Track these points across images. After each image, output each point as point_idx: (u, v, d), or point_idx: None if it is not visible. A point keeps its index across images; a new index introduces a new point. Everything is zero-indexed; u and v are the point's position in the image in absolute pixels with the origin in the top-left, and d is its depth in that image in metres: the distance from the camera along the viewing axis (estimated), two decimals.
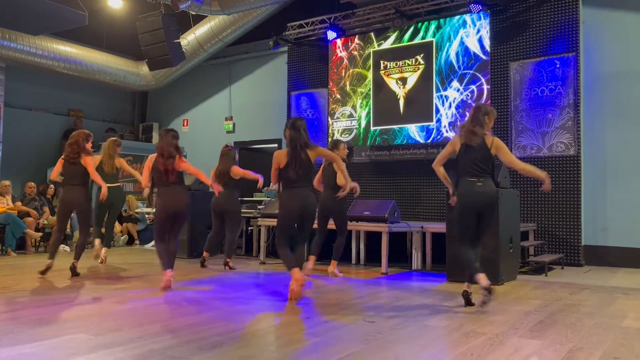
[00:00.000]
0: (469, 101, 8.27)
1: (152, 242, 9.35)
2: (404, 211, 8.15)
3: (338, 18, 9.62)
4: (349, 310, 4.37)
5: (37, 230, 8.75)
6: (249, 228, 8.66)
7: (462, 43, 8.51)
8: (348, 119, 9.60)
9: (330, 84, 9.84)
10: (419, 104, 8.83)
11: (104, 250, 7.20)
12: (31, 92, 11.55)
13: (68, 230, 9.18)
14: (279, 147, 10.53)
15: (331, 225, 6.43)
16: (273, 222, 6.80)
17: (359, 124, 9.44)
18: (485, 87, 8.25)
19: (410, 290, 5.43)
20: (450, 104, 8.55)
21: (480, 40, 8.35)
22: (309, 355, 3.05)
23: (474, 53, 8.39)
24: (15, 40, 9.83)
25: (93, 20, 9.65)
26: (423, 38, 8.90)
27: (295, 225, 4.92)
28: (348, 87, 9.62)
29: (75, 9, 8.58)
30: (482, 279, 4.37)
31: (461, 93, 8.45)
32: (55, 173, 6.29)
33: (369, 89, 9.38)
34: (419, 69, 8.89)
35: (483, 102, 8.17)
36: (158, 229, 5.37)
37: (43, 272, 5.87)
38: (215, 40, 10.88)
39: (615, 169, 7.68)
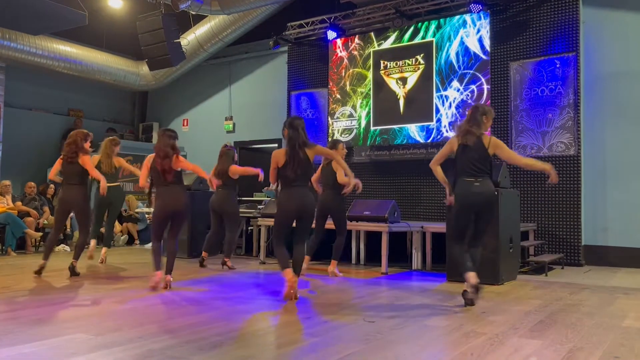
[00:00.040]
0: (469, 101, 8.27)
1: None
2: (404, 211, 8.15)
3: (338, 18, 9.62)
4: (348, 310, 4.37)
5: (37, 230, 8.76)
6: (249, 228, 8.66)
7: (462, 43, 8.51)
8: (348, 119, 9.60)
9: (330, 83, 9.84)
10: (419, 104, 8.83)
11: (104, 250, 7.20)
12: (31, 92, 11.55)
13: (68, 230, 9.20)
14: (279, 147, 10.50)
15: (331, 225, 6.43)
16: (273, 222, 6.79)
17: (359, 124, 9.44)
18: (485, 87, 8.25)
19: (410, 290, 5.43)
20: (450, 103, 8.55)
21: (480, 40, 8.35)
22: (308, 355, 3.05)
23: (474, 53, 8.39)
24: (15, 40, 9.83)
25: (93, 20, 9.65)
26: (423, 38, 8.90)
27: (295, 224, 4.92)
28: (348, 87, 9.62)
29: (75, 8, 8.58)
30: (472, 277, 4.41)
31: (461, 93, 8.45)
32: (53, 172, 6.28)
33: (369, 89, 9.38)
34: (419, 69, 8.89)
35: (483, 101, 8.17)
36: (155, 228, 5.40)
37: (38, 272, 5.88)
38: (216, 40, 10.88)
39: (615, 169, 7.68)
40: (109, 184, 6.95)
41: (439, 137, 8.55)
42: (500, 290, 5.46)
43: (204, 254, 6.96)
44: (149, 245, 9.26)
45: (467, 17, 8.47)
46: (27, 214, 8.77)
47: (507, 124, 8.23)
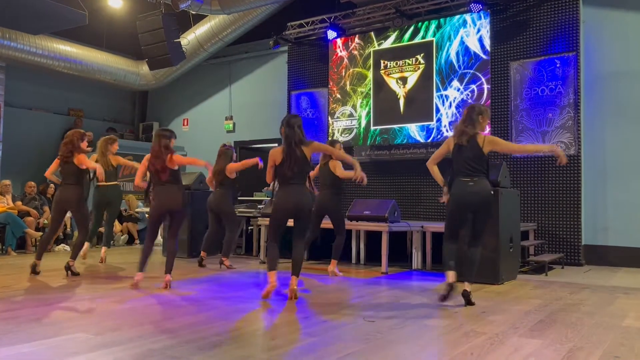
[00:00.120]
0: (469, 101, 8.27)
1: None
2: (404, 211, 8.15)
3: (338, 17, 9.62)
4: (348, 309, 4.37)
5: (37, 229, 8.75)
6: (249, 227, 8.66)
7: (462, 42, 8.51)
8: (348, 119, 9.60)
9: (331, 83, 9.83)
10: (419, 104, 8.83)
11: (103, 249, 7.20)
12: (31, 91, 11.55)
13: (68, 229, 9.20)
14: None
15: (330, 225, 6.43)
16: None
17: (359, 124, 9.44)
18: (485, 86, 8.25)
19: (410, 290, 5.42)
20: (450, 103, 8.54)
21: (480, 40, 8.34)
22: (308, 354, 3.05)
23: (474, 52, 8.38)
24: (16, 39, 9.83)
25: (93, 19, 9.65)
26: (423, 37, 8.90)
27: (293, 223, 4.90)
28: (348, 87, 9.62)
29: (76, 8, 8.58)
30: (450, 276, 4.52)
31: (461, 92, 8.45)
32: (49, 171, 6.26)
33: (369, 89, 9.38)
34: (419, 69, 8.89)
35: (483, 101, 8.17)
36: (150, 227, 5.44)
37: (34, 272, 5.89)
38: (216, 39, 10.88)
39: (615, 169, 7.67)
40: (106, 183, 6.96)
41: (439, 136, 8.55)
42: (500, 289, 5.46)
43: (202, 253, 6.96)
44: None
45: (467, 16, 8.47)
46: (27, 214, 8.77)
47: (507, 124, 8.22)
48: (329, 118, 9.82)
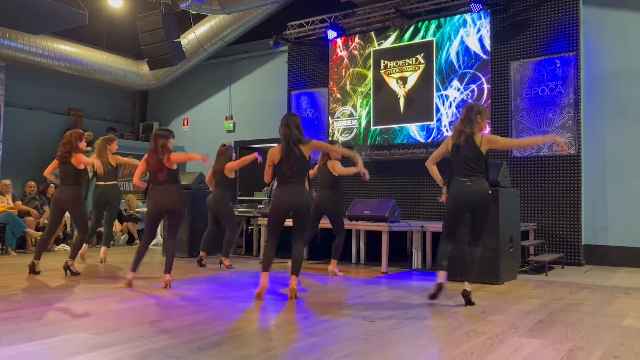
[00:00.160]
0: (470, 100, 8.27)
1: (152, 242, 9.37)
2: (404, 210, 8.15)
3: (338, 17, 9.62)
4: (348, 309, 4.37)
5: (37, 229, 8.75)
6: (249, 227, 8.66)
7: (462, 42, 8.51)
8: (348, 119, 9.60)
9: (331, 83, 9.83)
10: (419, 104, 8.83)
11: (103, 249, 7.21)
12: (31, 91, 11.54)
13: (68, 229, 9.20)
14: None
15: (328, 225, 6.44)
16: None
17: (359, 124, 9.44)
18: (485, 86, 8.25)
19: (410, 290, 5.42)
20: (450, 103, 8.54)
21: (480, 40, 8.34)
22: (308, 354, 3.05)
23: (475, 52, 8.38)
24: (16, 39, 9.83)
25: (93, 19, 9.65)
26: (423, 37, 8.90)
27: (292, 222, 4.89)
28: (348, 87, 9.62)
29: (76, 8, 8.58)
30: (441, 275, 4.59)
31: (461, 92, 8.45)
32: (47, 170, 6.25)
33: (369, 89, 9.38)
34: (419, 69, 8.89)
35: (483, 101, 8.17)
36: (147, 226, 5.46)
37: (33, 272, 5.90)
38: (216, 39, 10.87)
39: (615, 168, 7.67)
40: (104, 183, 6.96)
41: (439, 136, 8.55)
42: (500, 289, 5.46)
43: (202, 253, 6.96)
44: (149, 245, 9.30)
45: (468, 16, 8.47)
46: (28, 214, 8.77)
47: (507, 124, 8.22)
48: (329, 118, 9.82)
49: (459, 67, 8.50)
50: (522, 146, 4.85)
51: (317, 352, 3.10)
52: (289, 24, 10.13)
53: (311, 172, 5.84)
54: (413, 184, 8.96)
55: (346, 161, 6.39)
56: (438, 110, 8.64)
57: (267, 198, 8.73)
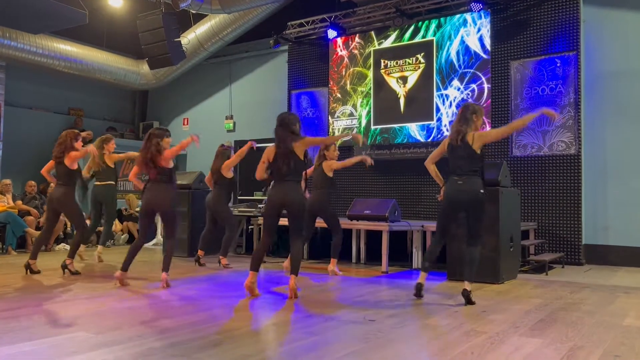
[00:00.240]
0: (470, 100, 8.26)
1: (153, 241, 9.38)
2: (404, 210, 8.14)
3: (338, 17, 9.61)
4: (349, 308, 4.37)
5: (37, 229, 8.74)
6: (250, 227, 8.66)
7: (462, 42, 8.51)
8: (348, 118, 9.60)
9: (331, 82, 9.83)
10: (420, 103, 8.83)
11: (99, 248, 7.20)
12: (31, 91, 11.54)
13: (69, 229, 9.20)
14: None
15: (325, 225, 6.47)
16: None
17: (360, 123, 9.44)
18: (485, 86, 8.25)
19: (410, 289, 5.39)
20: (450, 102, 8.54)
21: (480, 39, 8.34)
22: (308, 353, 3.05)
23: (475, 52, 8.38)
24: (16, 39, 9.83)
25: (93, 18, 9.65)
26: (423, 37, 8.89)
27: (288, 221, 4.88)
28: (348, 86, 9.61)
29: (76, 7, 8.59)
30: (421, 276, 4.73)
31: (462, 92, 8.45)
32: (44, 169, 6.23)
33: (370, 88, 9.37)
34: (419, 68, 8.88)
35: (484, 100, 8.17)
36: (139, 224, 5.48)
37: (31, 272, 5.89)
38: (216, 39, 10.87)
39: (615, 168, 7.67)
40: (100, 183, 6.97)
41: (439, 136, 8.55)
42: (500, 289, 5.46)
43: (199, 252, 6.96)
44: (149, 244, 9.31)
45: (468, 16, 8.47)
46: (28, 213, 8.77)
47: (507, 123, 8.20)
48: (329, 117, 9.82)
49: (459, 66, 8.50)
50: (514, 129, 4.90)
51: (317, 351, 3.10)
52: (289, 23, 10.13)
53: (308, 171, 5.85)
54: (413, 184, 8.96)
55: (344, 158, 6.42)
56: (438, 109, 8.63)
57: (266, 197, 8.74)
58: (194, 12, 9.50)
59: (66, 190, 5.92)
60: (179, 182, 7.68)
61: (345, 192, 9.25)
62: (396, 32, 9.17)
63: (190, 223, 7.93)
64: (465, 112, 4.69)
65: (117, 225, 9.75)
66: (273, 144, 4.91)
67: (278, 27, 10.11)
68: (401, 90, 9.04)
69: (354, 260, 7.62)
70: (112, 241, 9.47)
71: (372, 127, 9.29)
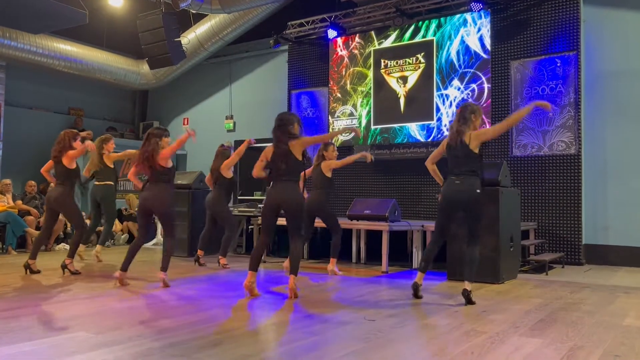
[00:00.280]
0: (470, 100, 8.26)
1: (153, 241, 9.38)
2: (404, 210, 8.14)
3: (338, 17, 9.61)
4: (348, 308, 4.37)
5: (37, 228, 8.73)
6: (250, 227, 8.66)
7: (462, 42, 8.51)
8: (348, 118, 9.59)
9: (331, 82, 9.83)
10: (420, 103, 8.83)
11: (98, 247, 7.21)
12: (32, 90, 11.55)
13: (69, 229, 9.20)
14: None
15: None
16: None
17: (360, 123, 9.44)
18: (485, 85, 8.25)
19: (410, 289, 5.41)
20: (450, 102, 8.54)
21: (481, 39, 8.34)
22: (308, 353, 3.05)
23: (475, 52, 8.38)
24: (16, 38, 9.83)
25: (93, 18, 9.65)
26: (424, 37, 8.89)
27: (286, 221, 4.87)
28: (348, 86, 9.61)
29: (76, 7, 8.58)
30: (418, 277, 4.74)
31: (462, 92, 8.45)
32: (44, 168, 6.23)
33: (370, 88, 9.37)
34: (419, 68, 8.88)
35: (484, 100, 8.17)
36: (138, 224, 5.49)
37: (31, 272, 5.89)
38: (216, 38, 10.87)
39: (615, 168, 7.67)
40: (98, 183, 6.97)
41: (439, 136, 8.55)
42: (500, 289, 5.46)
43: (199, 252, 6.96)
44: (150, 244, 9.31)
45: (468, 15, 8.47)
46: (28, 213, 8.77)
47: None
48: (330, 117, 9.82)
49: (460, 66, 8.50)
50: (510, 124, 4.91)
51: (317, 351, 3.10)
52: (289, 23, 10.13)
53: (307, 171, 5.85)
54: (413, 184, 8.96)
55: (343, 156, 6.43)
56: (438, 109, 8.63)
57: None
58: (194, 12, 9.50)
59: (64, 190, 5.91)
60: (179, 182, 7.70)
61: (345, 192, 9.25)
62: (396, 32, 9.17)
63: (190, 223, 7.93)
64: (464, 112, 4.69)
65: (117, 225, 9.74)
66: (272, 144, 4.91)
67: (278, 27, 10.11)
68: (401, 90, 9.04)
69: (354, 260, 7.62)
70: (112, 241, 9.47)
71: (372, 127, 9.29)
